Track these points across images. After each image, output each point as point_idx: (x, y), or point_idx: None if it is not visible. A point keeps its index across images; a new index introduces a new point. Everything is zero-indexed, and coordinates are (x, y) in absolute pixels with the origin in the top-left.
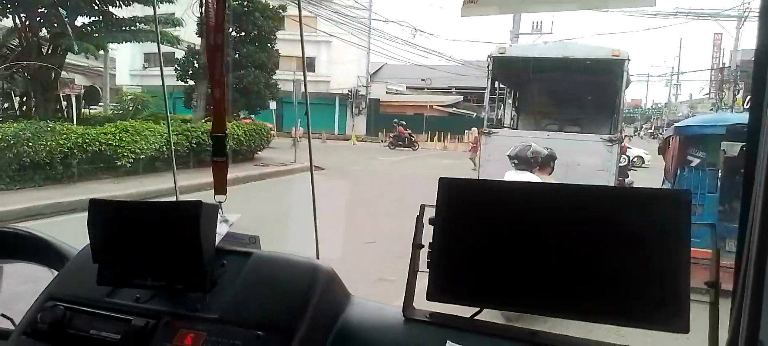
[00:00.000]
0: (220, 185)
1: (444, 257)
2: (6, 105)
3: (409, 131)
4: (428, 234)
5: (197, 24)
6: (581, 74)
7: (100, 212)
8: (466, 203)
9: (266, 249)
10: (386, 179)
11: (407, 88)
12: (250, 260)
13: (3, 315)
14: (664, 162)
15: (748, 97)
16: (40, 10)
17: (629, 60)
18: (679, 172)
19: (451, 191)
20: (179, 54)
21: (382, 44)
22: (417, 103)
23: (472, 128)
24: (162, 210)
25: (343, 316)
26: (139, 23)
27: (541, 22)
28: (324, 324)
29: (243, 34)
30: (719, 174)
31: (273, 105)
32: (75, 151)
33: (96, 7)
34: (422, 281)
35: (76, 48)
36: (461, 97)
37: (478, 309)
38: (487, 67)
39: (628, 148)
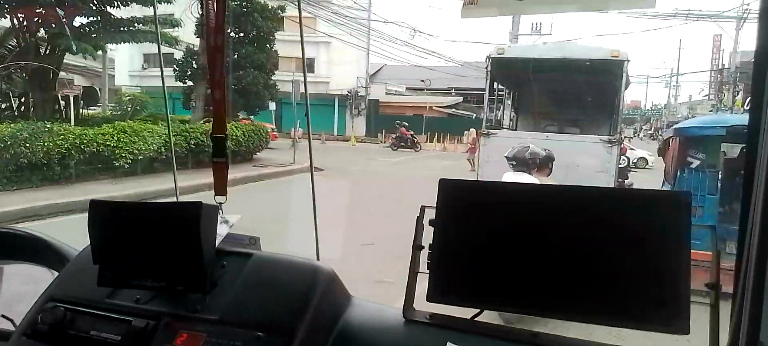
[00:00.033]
0: (221, 186)
1: (444, 259)
2: (4, 105)
3: (412, 132)
4: (428, 235)
5: (196, 24)
6: (580, 75)
7: (101, 213)
8: (467, 205)
9: (266, 250)
10: (385, 180)
11: (407, 89)
12: (251, 261)
13: (3, 316)
14: (664, 164)
15: (749, 98)
16: (38, 11)
17: (628, 61)
18: (679, 173)
19: (451, 192)
20: (178, 55)
21: (382, 45)
22: (416, 104)
23: (470, 129)
24: (162, 211)
25: (343, 317)
26: (138, 24)
27: (541, 24)
28: (324, 325)
29: (241, 34)
30: (719, 176)
31: (272, 106)
32: (73, 151)
33: (94, 8)
34: (422, 283)
35: (74, 48)
36: (461, 98)
37: (478, 310)
38: (486, 68)
39: (632, 149)
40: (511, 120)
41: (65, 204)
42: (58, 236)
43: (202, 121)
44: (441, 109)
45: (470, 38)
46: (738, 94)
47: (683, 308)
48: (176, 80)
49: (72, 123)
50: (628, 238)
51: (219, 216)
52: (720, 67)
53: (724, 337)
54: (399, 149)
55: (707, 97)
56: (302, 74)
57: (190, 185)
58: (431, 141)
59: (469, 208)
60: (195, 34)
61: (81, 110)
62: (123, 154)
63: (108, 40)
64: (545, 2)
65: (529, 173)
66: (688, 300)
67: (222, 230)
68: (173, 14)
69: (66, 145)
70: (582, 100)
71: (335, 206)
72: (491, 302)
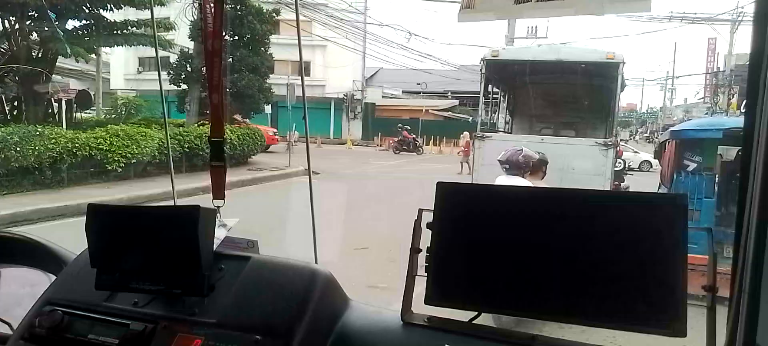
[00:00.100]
0: (219, 190)
1: (442, 261)
2: None
3: (414, 135)
4: (427, 238)
5: (190, 28)
6: (576, 78)
7: (98, 217)
8: (464, 207)
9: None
10: (380, 183)
11: (403, 92)
12: (249, 265)
13: (1, 320)
14: (660, 166)
15: (745, 101)
16: (30, 14)
17: (624, 63)
18: (675, 176)
19: (448, 195)
20: (172, 58)
21: (378, 48)
22: (413, 107)
23: (464, 132)
24: (160, 215)
25: (341, 320)
26: (132, 27)
27: (536, 27)
28: (322, 329)
29: (237, 37)
30: (716, 179)
31: (268, 109)
32: (64, 155)
33: (87, 11)
34: (420, 285)
35: (68, 51)
36: (457, 102)
37: (476, 313)
38: (480, 70)
39: (636, 152)
40: (506, 123)
41: (55, 209)
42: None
43: (196, 125)
44: (437, 113)
45: (466, 42)
46: (733, 97)
47: (680, 310)
48: (170, 83)
49: (64, 127)
50: (625, 241)
51: (217, 219)
52: (715, 70)
53: (720, 339)
54: (401, 153)
55: (702, 100)
56: (298, 77)
57: (185, 188)
58: (427, 144)
59: (467, 211)
60: (189, 38)
61: (75, 114)
62: (116, 158)
63: (101, 43)
64: (542, 6)
65: (523, 177)
66: (685, 302)
67: (220, 234)
68: (168, 18)
69: (58, 149)
70: (577, 103)
71: (328, 209)
72: (489, 305)
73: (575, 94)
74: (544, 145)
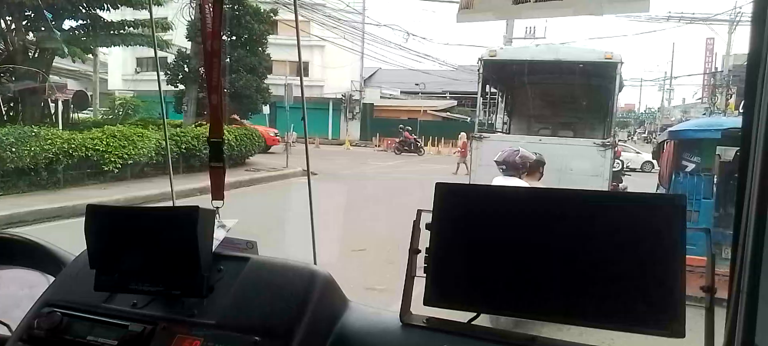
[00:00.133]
0: (218, 190)
1: (441, 262)
2: None
3: (415, 136)
4: (426, 239)
5: (187, 28)
6: (574, 77)
7: (97, 218)
8: (463, 208)
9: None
10: (378, 184)
11: (401, 92)
12: (248, 266)
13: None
14: (659, 167)
15: (743, 101)
16: (27, 13)
17: (622, 63)
18: (674, 177)
19: (447, 196)
20: (170, 58)
21: (376, 49)
22: (411, 107)
23: (461, 133)
24: (159, 216)
25: (340, 321)
26: (129, 27)
27: (535, 28)
28: (322, 330)
29: (234, 38)
30: (715, 179)
31: (266, 109)
32: (60, 156)
33: (84, 11)
34: (419, 286)
35: (66, 51)
36: (455, 102)
37: (475, 314)
38: (478, 70)
39: (638, 153)
40: (504, 123)
41: (51, 210)
42: None
43: (194, 125)
44: (435, 113)
45: (464, 42)
46: (731, 98)
47: (679, 311)
48: (168, 84)
49: (60, 127)
50: (623, 241)
51: (216, 220)
52: (713, 70)
53: (719, 340)
54: (402, 153)
55: (701, 101)
56: (296, 78)
57: (182, 189)
58: (426, 145)
59: (466, 211)
60: (186, 38)
61: (72, 115)
62: (112, 159)
63: (98, 43)
64: (541, 7)
65: (520, 178)
66: (684, 303)
67: (219, 235)
68: (166, 18)
69: (54, 150)
70: (575, 103)
71: (325, 210)
72: (488, 306)
73: (573, 95)
74: (542, 145)
